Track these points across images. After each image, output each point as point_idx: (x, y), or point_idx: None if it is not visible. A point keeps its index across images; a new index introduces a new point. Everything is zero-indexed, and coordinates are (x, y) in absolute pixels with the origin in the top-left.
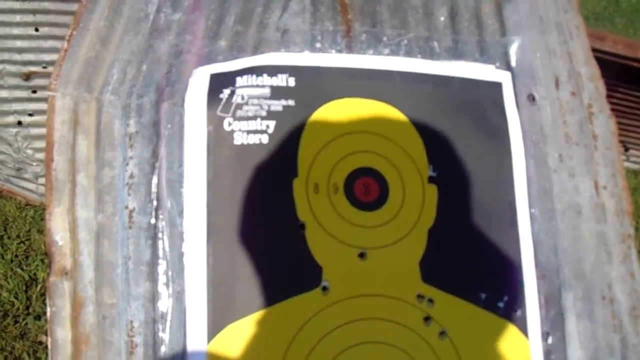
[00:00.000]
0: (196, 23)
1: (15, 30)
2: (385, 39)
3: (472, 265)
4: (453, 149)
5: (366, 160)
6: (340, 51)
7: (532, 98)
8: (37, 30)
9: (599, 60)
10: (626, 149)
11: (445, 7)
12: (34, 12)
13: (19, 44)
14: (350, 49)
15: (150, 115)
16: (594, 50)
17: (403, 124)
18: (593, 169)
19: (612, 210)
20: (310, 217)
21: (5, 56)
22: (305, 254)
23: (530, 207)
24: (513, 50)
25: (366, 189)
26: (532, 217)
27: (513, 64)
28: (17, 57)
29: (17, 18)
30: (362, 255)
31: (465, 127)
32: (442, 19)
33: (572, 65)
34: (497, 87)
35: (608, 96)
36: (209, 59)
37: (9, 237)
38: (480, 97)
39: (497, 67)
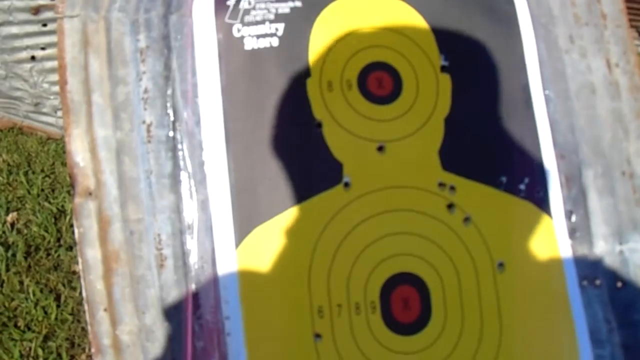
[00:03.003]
0: None
1: None
2: None
3: (491, 150)
4: (463, 37)
5: (377, 55)
6: None
7: None
8: None
9: None
10: None
11: None
12: None
13: None
14: None
15: (159, 28)
16: None
17: (411, 15)
18: (604, 48)
19: (626, 87)
20: (327, 115)
21: None
22: (324, 152)
23: (544, 88)
24: None
25: (380, 83)
26: (547, 99)
27: None
28: None
29: None
30: (380, 149)
31: (473, 14)
32: None
33: None
34: None
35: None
36: None
37: (33, 172)
38: None
39: None
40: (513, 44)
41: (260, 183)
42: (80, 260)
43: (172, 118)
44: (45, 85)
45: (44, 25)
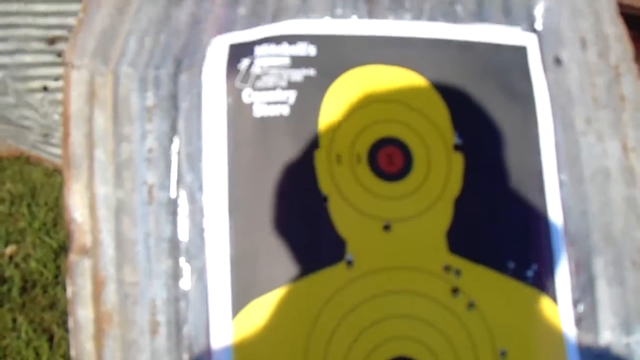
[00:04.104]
0: None
1: None
2: (407, 3)
3: (500, 234)
4: (478, 115)
5: (389, 130)
6: (361, 17)
7: (558, 61)
8: None
9: (631, 16)
10: None
11: None
12: None
13: (42, 7)
14: (372, 14)
15: (168, 87)
16: (624, 5)
17: (427, 91)
18: (621, 131)
19: None
20: (333, 189)
21: (29, 20)
22: (328, 227)
23: (559, 172)
24: (539, 12)
25: (390, 159)
26: (561, 183)
27: (538, 26)
28: (40, 21)
29: None
30: (387, 227)
31: (490, 92)
32: None
33: (599, 25)
34: (522, 50)
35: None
36: (227, 28)
37: (36, 205)
38: (505, 62)
39: (522, 30)
40: (529, 125)
41: (260, 254)
42: (71, 318)
43: (174, 181)
44: (56, 117)
45: (59, 55)
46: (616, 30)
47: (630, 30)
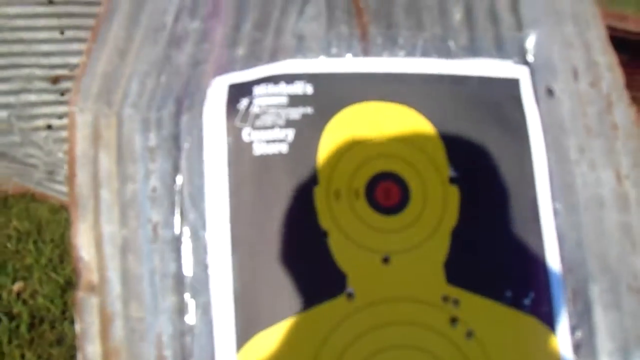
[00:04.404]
0: (214, 31)
1: (41, 35)
2: (401, 40)
3: (497, 264)
4: (473, 148)
5: (386, 165)
6: (356, 55)
7: (550, 91)
8: (62, 33)
9: (622, 41)
10: None
11: (460, 5)
12: (59, 16)
13: (45, 47)
14: (366, 52)
15: (170, 127)
16: (617, 30)
17: (422, 126)
18: (614, 159)
19: (636, 199)
20: (333, 224)
21: (33, 60)
22: (329, 261)
23: (554, 201)
24: (530, 44)
25: (387, 193)
26: (555, 212)
27: (530, 58)
28: (43, 61)
29: (42, 22)
30: (386, 260)
31: (484, 125)
32: (458, 16)
33: (589, 55)
34: (514, 83)
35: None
36: (226, 68)
37: (43, 241)
38: (498, 94)
39: (514, 62)
40: (523, 155)
41: (263, 289)
42: (79, 355)
43: (178, 219)
44: (60, 155)
45: (62, 94)
46: (607, 59)
47: (621, 55)
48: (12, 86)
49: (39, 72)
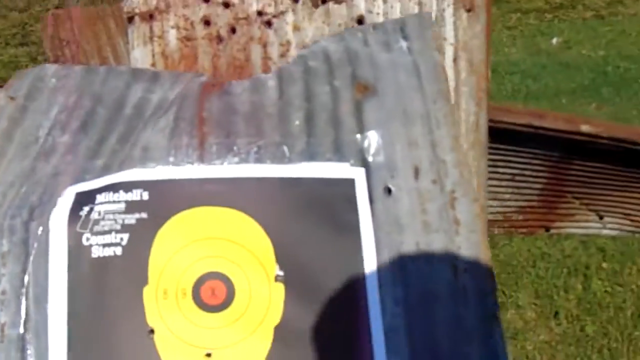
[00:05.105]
0: (80, 143)
1: None
2: (235, 148)
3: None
4: (301, 247)
5: (214, 265)
6: (191, 163)
7: (388, 190)
8: None
9: (543, 137)
10: (600, 217)
11: (301, 112)
12: None
13: None
14: (201, 160)
15: (21, 234)
16: (537, 127)
17: (251, 228)
18: (453, 254)
19: (474, 292)
20: (159, 322)
21: None
22: (154, 358)
23: (382, 297)
24: (371, 146)
25: (213, 292)
26: (384, 308)
27: (370, 159)
28: None
29: None
30: (208, 355)
31: (313, 225)
32: (297, 123)
33: (435, 154)
34: (349, 183)
35: (564, 169)
36: (80, 179)
37: None
38: (331, 195)
39: (351, 165)
40: (353, 254)
41: None
42: None
43: (23, 319)
44: None
45: None
46: (454, 157)
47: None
48: None
49: None
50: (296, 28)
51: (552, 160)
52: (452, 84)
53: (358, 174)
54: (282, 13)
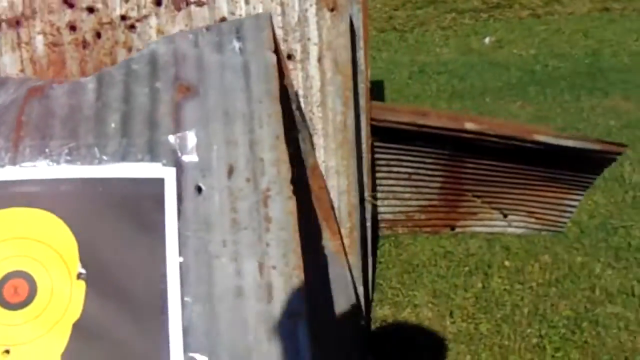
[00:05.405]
0: None
1: None
2: (47, 150)
3: (116, 355)
4: (104, 246)
5: (18, 264)
6: (2, 166)
7: (199, 189)
8: None
9: (430, 135)
10: (505, 216)
11: (118, 113)
12: None
13: None
14: (14, 162)
15: None
16: (421, 126)
17: (58, 228)
18: (261, 251)
19: (281, 289)
20: None
21: None
22: None
23: (185, 294)
24: (185, 146)
25: (15, 290)
26: (185, 304)
27: (183, 158)
28: None
29: None
30: (7, 352)
31: (119, 225)
32: (113, 125)
33: (253, 152)
34: (158, 183)
35: (459, 168)
36: None
37: None
38: (139, 195)
39: (163, 165)
40: (156, 251)
41: None
42: None
43: None
44: None
45: None
46: (274, 155)
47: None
48: None
49: None
50: (160, 31)
51: (445, 159)
52: (317, 83)
53: (168, 174)
54: (146, 17)
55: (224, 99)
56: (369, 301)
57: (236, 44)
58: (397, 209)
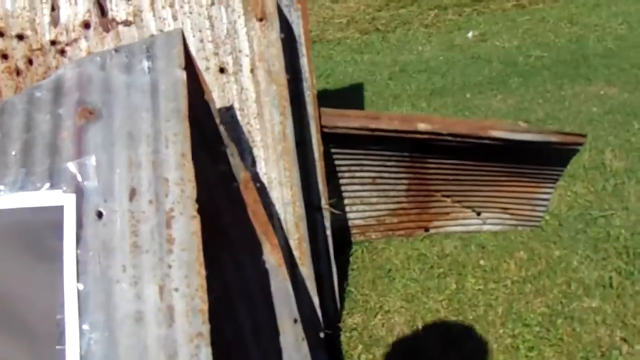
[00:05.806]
0: None
1: None
2: None
3: None
4: (1, 277)
5: None
6: None
7: (99, 215)
8: None
9: (384, 138)
10: (478, 213)
11: (18, 142)
12: None
13: None
14: None
15: None
16: (374, 130)
17: None
18: (161, 274)
19: (182, 311)
20: None
21: None
22: None
23: (83, 321)
24: (86, 172)
25: None
26: (83, 332)
27: (84, 184)
28: None
29: None
30: None
31: (17, 255)
32: (14, 154)
33: (157, 173)
34: (58, 210)
35: (422, 169)
36: None
37: None
38: (37, 224)
39: (64, 191)
40: (54, 280)
41: None
42: None
43: None
44: None
45: None
46: (179, 174)
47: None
48: None
49: None
50: (90, 53)
51: (407, 161)
52: (252, 95)
53: (68, 201)
54: (75, 40)
55: (129, 120)
56: (336, 311)
57: (145, 63)
58: (367, 214)
